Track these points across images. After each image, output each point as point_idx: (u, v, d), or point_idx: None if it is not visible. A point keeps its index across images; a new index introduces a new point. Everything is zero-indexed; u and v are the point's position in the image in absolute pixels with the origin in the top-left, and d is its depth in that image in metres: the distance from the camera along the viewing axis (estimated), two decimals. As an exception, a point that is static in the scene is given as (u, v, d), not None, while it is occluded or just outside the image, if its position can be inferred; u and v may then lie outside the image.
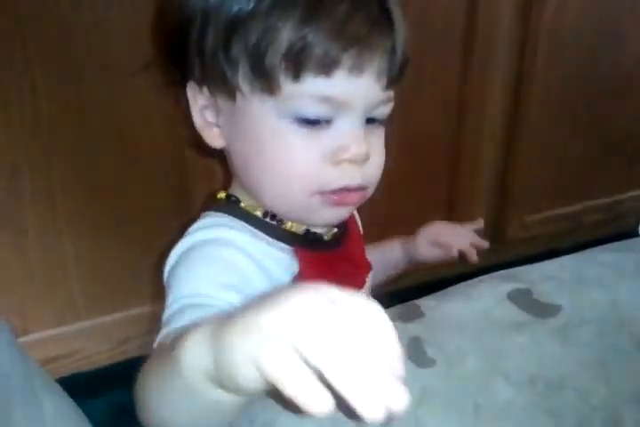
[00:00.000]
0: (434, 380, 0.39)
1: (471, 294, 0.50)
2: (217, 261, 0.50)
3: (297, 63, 0.48)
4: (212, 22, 0.51)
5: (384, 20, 0.50)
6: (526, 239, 1.31)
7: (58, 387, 0.49)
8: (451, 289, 0.54)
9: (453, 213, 1.20)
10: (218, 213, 0.57)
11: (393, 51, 0.51)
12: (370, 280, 0.67)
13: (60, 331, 0.93)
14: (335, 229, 0.61)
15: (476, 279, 0.56)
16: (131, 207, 0.91)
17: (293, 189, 0.53)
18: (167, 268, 0.53)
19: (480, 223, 0.83)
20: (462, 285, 0.55)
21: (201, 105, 0.56)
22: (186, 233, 0.55)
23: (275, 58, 0.48)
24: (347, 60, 0.48)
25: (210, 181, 0.90)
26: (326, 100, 0.49)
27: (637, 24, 1.19)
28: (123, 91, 0.83)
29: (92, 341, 0.97)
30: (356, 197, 0.55)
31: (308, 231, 0.58)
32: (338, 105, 0.50)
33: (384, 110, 0.55)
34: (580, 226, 1.37)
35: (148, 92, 0.83)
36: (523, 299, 0.47)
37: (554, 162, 1.26)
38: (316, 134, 0.51)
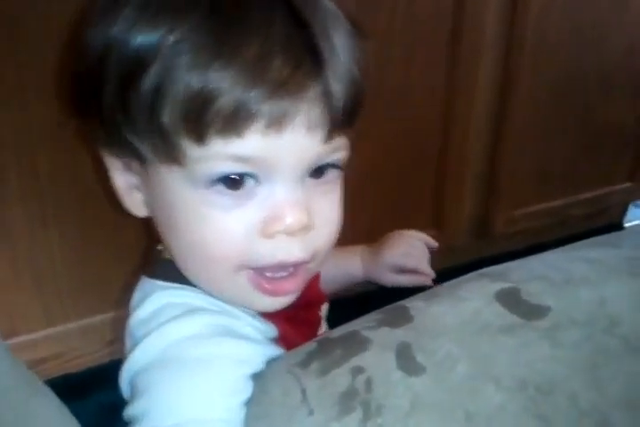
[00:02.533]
0: (424, 388, 0.39)
1: (459, 295, 0.49)
2: (216, 366, 0.43)
3: (199, 124, 0.38)
4: (111, 65, 0.41)
5: (311, 61, 0.40)
6: (513, 234, 1.32)
7: (47, 389, 0.49)
8: (439, 289, 0.54)
9: (441, 208, 1.21)
10: (170, 284, 0.48)
11: (328, 96, 0.40)
12: (324, 312, 0.62)
13: (49, 332, 0.93)
14: None
15: (463, 278, 0.55)
16: (119, 207, 0.90)
17: (216, 269, 0.44)
18: (133, 364, 0.45)
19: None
20: (450, 284, 0.54)
21: (121, 168, 0.48)
22: (138, 316, 0.48)
23: (171, 116, 0.39)
24: (263, 113, 0.38)
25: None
26: (243, 159, 0.40)
27: (619, 24, 1.21)
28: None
29: (80, 342, 0.97)
30: (294, 284, 0.46)
31: None
32: (260, 165, 0.41)
33: (332, 159, 0.45)
34: (566, 220, 1.38)
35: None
36: (511, 300, 0.47)
37: (539, 157, 1.27)
38: (240, 203, 0.42)
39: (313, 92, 0.40)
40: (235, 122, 0.38)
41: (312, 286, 0.59)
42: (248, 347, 0.45)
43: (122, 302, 0.95)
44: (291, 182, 0.42)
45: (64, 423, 0.46)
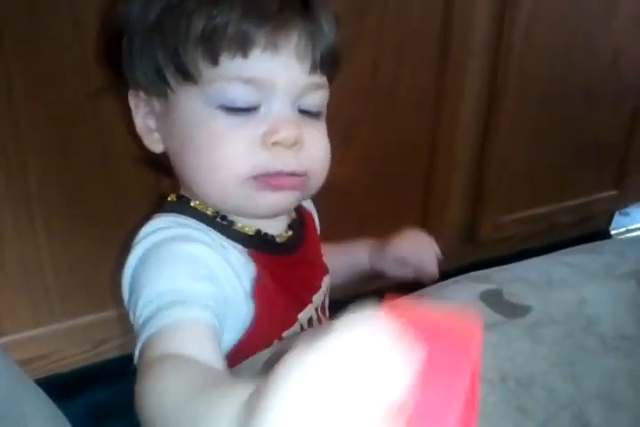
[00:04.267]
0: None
1: (445, 295, 0.51)
2: (186, 257, 0.49)
3: (211, 46, 0.49)
4: (138, 26, 0.53)
5: (299, 3, 0.51)
6: (500, 240, 1.33)
7: (38, 388, 0.50)
8: (426, 290, 0.55)
9: (428, 214, 1.22)
10: (170, 214, 0.56)
11: (313, 34, 0.51)
12: (326, 284, 0.66)
13: (37, 332, 0.93)
14: (290, 233, 0.60)
15: (449, 280, 0.57)
16: (107, 208, 0.91)
17: (222, 175, 0.52)
18: (128, 270, 0.52)
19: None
20: (437, 286, 0.57)
21: (143, 112, 0.57)
22: (138, 237, 0.54)
23: (189, 44, 0.49)
24: (260, 37, 0.49)
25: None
26: (247, 81, 0.50)
27: (608, 28, 1.22)
28: (100, 90, 0.83)
29: (68, 342, 0.97)
30: (293, 182, 0.54)
31: (259, 232, 0.57)
32: (261, 86, 0.50)
33: (315, 98, 0.54)
34: (553, 227, 1.40)
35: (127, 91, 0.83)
36: (494, 300, 0.49)
37: (527, 164, 1.28)
38: (243, 121, 0.51)
39: (300, 27, 0.50)
40: (237, 45, 0.48)
41: (313, 247, 0.65)
42: (221, 263, 0.51)
43: (110, 302, 0.97)
44: (285, 104, 0.51)
45: (57, 423, 0.47)
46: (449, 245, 1.28)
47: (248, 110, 0.51)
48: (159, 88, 0.53)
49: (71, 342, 0.97)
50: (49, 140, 0.83)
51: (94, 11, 0.78)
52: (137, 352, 0.45)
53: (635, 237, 1.53)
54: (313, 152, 0.54)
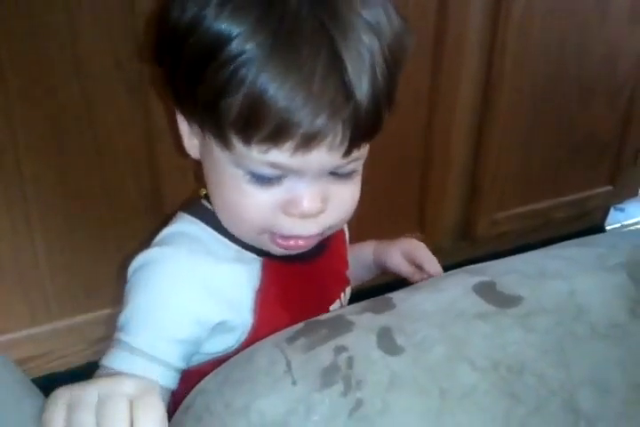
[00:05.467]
0: (402, 367, 0.42)
1: (439, 287, 0.52)
2: (169, 307, 0.52)
3: (246, 131, 0.46)
4: (187, 49, 0.48)
5: (343, 95, 0.46)
6: (496, 236, 1.34)
7: (35, 387, 0.50)
8: (421, 283, 0.56)
9: (424, 211, 1.22)
10: (190, 218, 0.58)
11: (354, 120, 0.47)
12: (346, 295, 0.67)
13: (33, 331, 0.93)
14: None
15: (445, 273, 0.58)
16: (103, 207, 0.91)
17: (243, 227, 0.54)
18: (129, 273, 0.55)
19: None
20: (432, 278, 0.58)
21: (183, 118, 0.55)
22: (161, 235, 0.56)
23: (226, 120, 0.47)
24: (297, 134, 0.46)
25: (182, 182, 0.91)
26: (275, 166, 0.48)
27: (603, 26, 1.23)
28: (96, 91, 0.83)
29: (65, 341, 0.97)
30: (307, 243, 0.54)
31: None
32: (288, 171, 0.49)
33: (348, 168, 0.52)
34: (549, 222, 1.41)
35: (122, 92, 0.83)
36: (487, 291, 0.49)
37: (522, 160, 1.29)
38: (270, 187, 0.50)
39: (345, 119, 0.46)
40: (273, 138, 0.46)
41: (336, 257, 0.66)
42: (207, 304, 0.53)
43: (107, 301, 0.97)
44: (311, 180, 0.50)
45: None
46: (445, 241, 1.29)
47: (273, 180, 0.50)
48: (197, 124, 0.52)
49: (68, 340, 0.98)
50: (44, 140, 0.84)
51: (89, 11, 0.79)
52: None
53: (627, 229, 1.54)
54: (333, 214, 0.53)
